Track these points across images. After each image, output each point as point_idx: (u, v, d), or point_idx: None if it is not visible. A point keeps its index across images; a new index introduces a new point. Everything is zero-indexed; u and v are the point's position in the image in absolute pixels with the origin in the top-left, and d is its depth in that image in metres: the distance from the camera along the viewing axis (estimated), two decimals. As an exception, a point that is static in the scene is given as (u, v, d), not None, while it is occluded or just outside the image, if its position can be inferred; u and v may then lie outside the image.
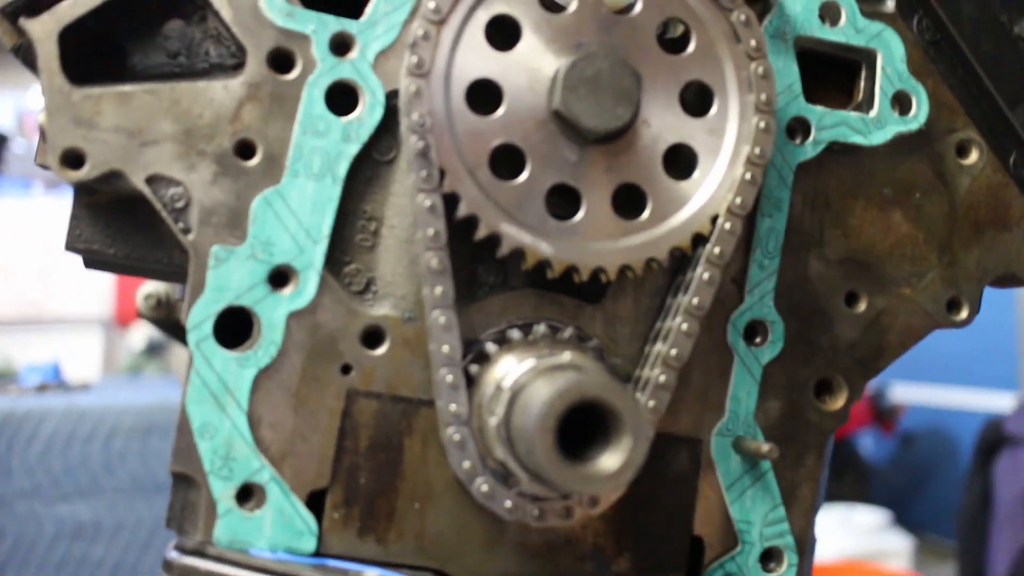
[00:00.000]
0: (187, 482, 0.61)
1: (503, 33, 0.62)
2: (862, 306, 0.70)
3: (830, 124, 0.69)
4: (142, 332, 4.35)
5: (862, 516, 4.50)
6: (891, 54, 0.70)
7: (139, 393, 2.91)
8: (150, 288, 1.26)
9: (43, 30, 0.60)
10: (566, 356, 0.58)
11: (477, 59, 0.61)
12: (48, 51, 0.60)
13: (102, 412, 2.62)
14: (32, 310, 5.63)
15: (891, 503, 4.98)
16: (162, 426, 2.63)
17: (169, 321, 1.30)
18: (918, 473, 5.78)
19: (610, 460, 0.52)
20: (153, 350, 4.10)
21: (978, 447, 3.89)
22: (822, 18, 0.69)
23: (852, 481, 5.25)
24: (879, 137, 0.69)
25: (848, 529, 4.33)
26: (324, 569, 0.60)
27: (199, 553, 0.60)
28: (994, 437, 3.80)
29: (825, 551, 4.06)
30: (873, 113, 0.69)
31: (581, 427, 0.54)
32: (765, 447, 0.64)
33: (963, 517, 3.82)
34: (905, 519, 5.02)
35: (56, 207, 5.73)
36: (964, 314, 0.72)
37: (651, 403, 0.62)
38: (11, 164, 6.06)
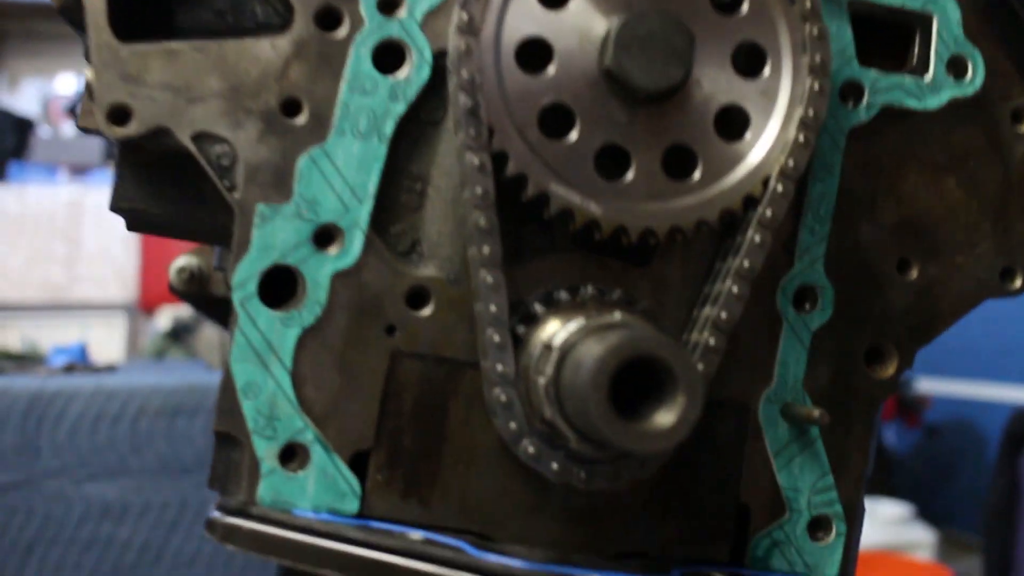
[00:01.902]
0: (230, 442, 0.61)
1: None
2: (914, 273, 0.69)
3: (884, 88, 0.67)
4: (165, 317, 4.37)
5: (886, 508, 4.47)
6: (947, 17, 0.68)
7: (165, 375, 2.93)
8: (183, 261, 1.26)
9: None
10: (616, 315, 0.57)
11: (528, 17, 0.61)
12: (96, 6, 0.59)
13: (129, 393, 2.63)
14: (57, 295, 5.68)
15: (915, 496, 4.94)
16: (189, 407, 2.64)
17: (202, 296, 1.30)
18: (942, 466, 5.73)
19: (665, 417, 0.51)
20: (177, 334, 4.12)
21: (1004, 440, 3.86)
22: None
23: (876, 473, 5.21)
24: (934, 102, 0.68)
25: (872, 521, 4.30)
26: (367, 530, 0.60)
27: (242, 513, 0.60)
28: (1021, 429, 3.76)
29: (849, 543, 4.03)
30: (928, 77, 0.68)
31: (631, 388, 0.53)
32: (816, 412, 0.64)
33: (989, 510, 3.79)
34: (929, 512, 4.98)
35: (81, 194, 5.77)
36: (1018, 283, 0.71)
37: (701, 366, 0.61)
38: (37, 150, 6.11)
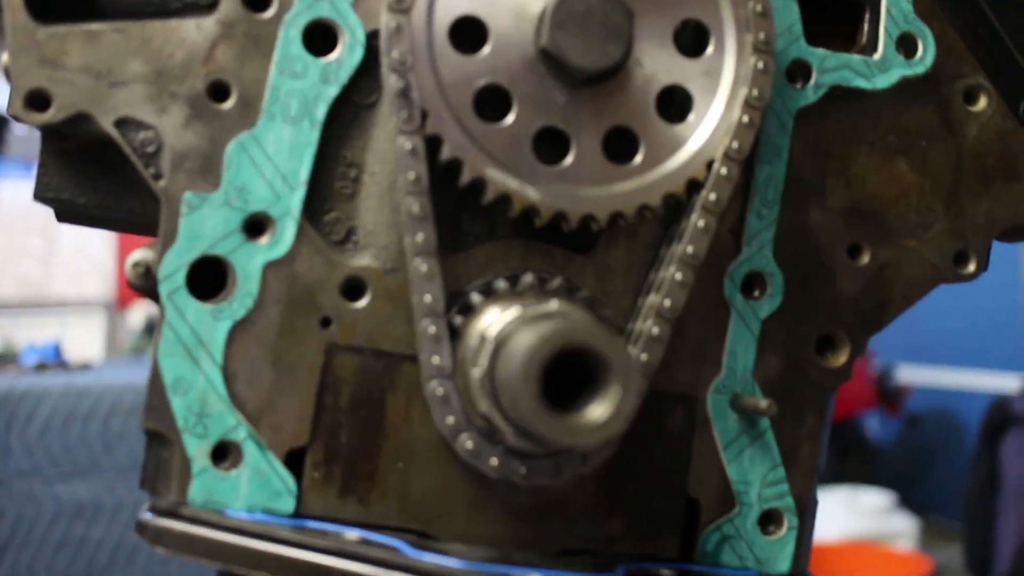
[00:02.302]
0: (160, 440, 0.59)
1: None
2: (865, 258, 0.68)
3: (832, 67, 0.66)
4: (142, 312, 4.33)
5: (867, 498, 4.48)
6: None
7: (139, 372, 2.90)
8: (138, 255, 1.23)
9: None
10: (552, 304, 0.55)
11: None
12: None
13: (101, 391, 2.60)
14: (34, 292, 5.63)
15: (896, 484, 4.96)
16: (161, 405, 2.62)
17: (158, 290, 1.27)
18: (924, 455, 5.75)
19: (598, 410, 0.50)
20: (152, 330, 4.10)
21: (984, 428, 3.87)
22: None
23: (857, 462, 5.23)
24: (883, 81, 0.66)
25: (853, 511, 4.31)
26: (303, 530, 0.58)
27: (173, 514, 0.58)
28: (1001, 418, 3.78)
29: (831, 532, 4.05)
30: (877, 56, 0.66)
31: (571, 382, 0.51)
32: (764, 403, 0.62)
33: (969, 498, 3.81)
34: (911, 500, 5.00)
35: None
36: (972, 267, 0.69)
37: (644, 356, 0.60)
38: (13, 146, 6.05)
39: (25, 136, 6.14)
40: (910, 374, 5.67)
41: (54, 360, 3.02)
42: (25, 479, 2.53)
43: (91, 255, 5.54)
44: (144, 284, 1.28)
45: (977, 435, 4.01)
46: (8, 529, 2.52)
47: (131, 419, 2.61)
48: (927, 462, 5.70)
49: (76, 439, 2.57)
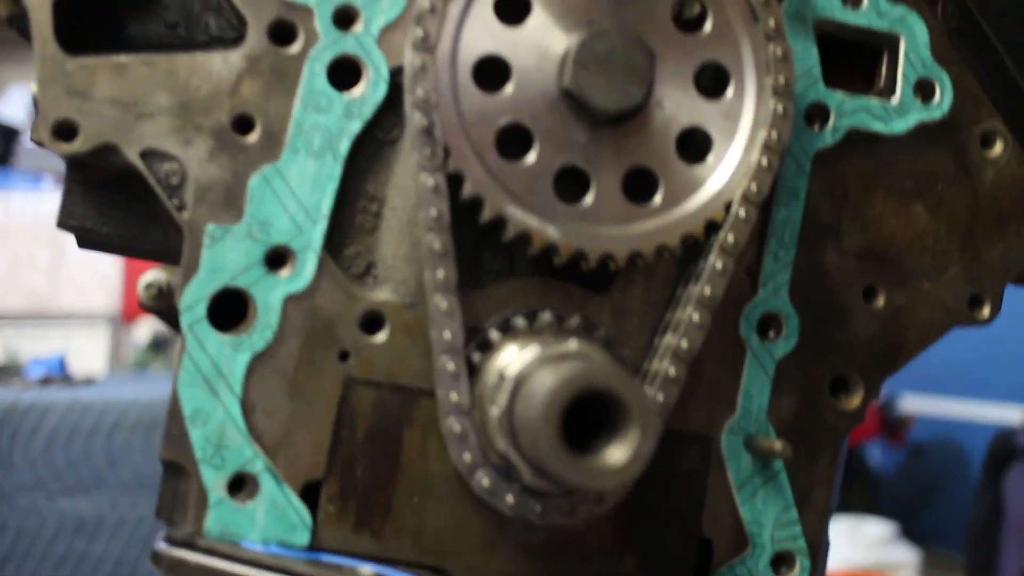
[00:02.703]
0: (177, 470, 0.59)
1: (512, 8, 0.60)
2: (880, 301, 0.68)
3: (850, 111, 0.66)
4: (147, 327, 4.34)
5: (870, 527, 4.45)
6: (915, 39, 0.67)
7: (144, 388, 2.90)
8: (151, 277, 1.24)
9: None
10: (572, 345, 0.55)
11: (485, 34, 0.59)
12: (42, 19, 0.58)
13: (106, 406, 2.60)
14: (39, 304, 5.63)
15: (899, 515, 4.93)
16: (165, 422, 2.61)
17: (170, 311, 1.27)
18: (927, 485, 5.72)
19: (616, 453, 0.50)
20: (158, 346, 4.09)
21: (988, 460, 3.85)
22: (844, 0, 0.66)
23: (860, 492, 5.20)
24: (901, 125, 0.67)
25: (856, 540, 4.29)
26: (317, 564, 0.58)
27: (188, 544, 0.58)
28: (1005, 450, 3.76)
29: (833, 562, 4.02)
30: (895, 100, 0.67)
31: (588, 420, 0.51)
32: (779, 445, 0.62)
33: (973, 530, 3.78)
34: (913, 531, 4.97)
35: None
36: (986, 312, 0.69)
37: (660, 397, 0.60)
38: (22, 158, 6.07)
39: (35, 149, 6.17)
40: (914, 404, 5.65)
41: (59, 374, 3.02)
42: (28, 493, 2.53)
43: (97, 269, 5.55)
44: (156, 305, 1.29)
45: (981, 467, 3.99)
46: (9, 543, 2.51)
47: (135, 435, 2.61)
48: (930, 493, 5.68)
49: (80, 454, 2.57)
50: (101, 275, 5.57)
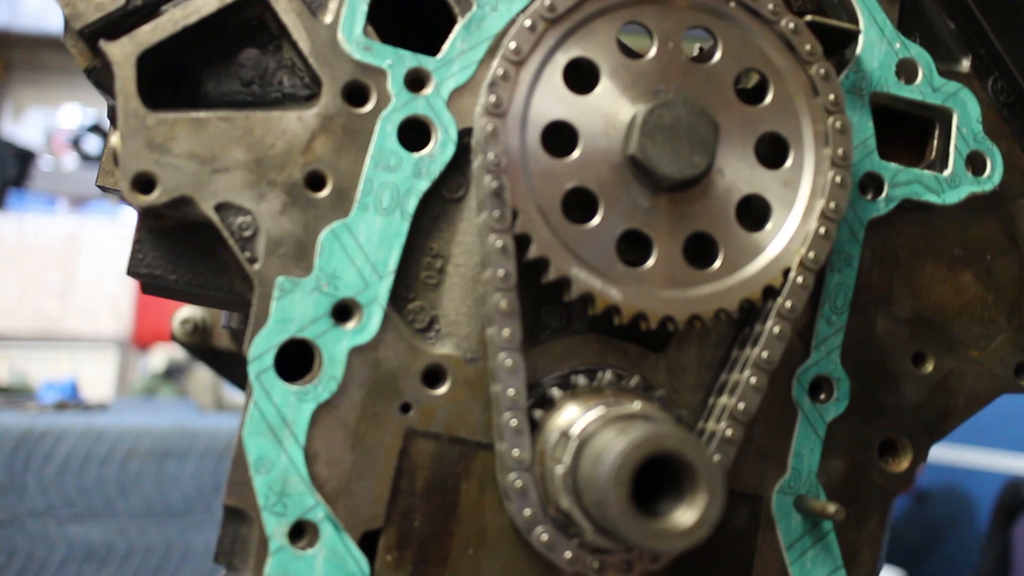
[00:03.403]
0: (239, 516, 0.60)
1: (581, 76, 0.62)
2: (929, 367, 0.69)
3: (904, 181, 0.68)
4: (162, 355, 4.35)
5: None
6: (967, 114, 0.69)
7: (156, 416, 2.90)
8: (187, 313, 1.26)
9: (122, 53, 0.60)
10: (636, 405, 0.57)
11: (554, 100, 0.61)
12: (126, 74, 0.59)
13: (120, 434, 2.60)
14: (48, 327, 5.65)
15: (905, 562, 4.89)
16: (178, 450, 2.62)
17: (204, 347, 1.29)
18: (933, 532, 5.69)
19: (685, 515, 0.51)
20: (171, 374, 4.09)
21: (997, 509, 3.84)
22: (898, 75, 0.68)
23: (866, 537, 5.15)
24: (952, 197, 0.69)
25: (861, 586, 4.25)
26: (375, 612, 0.59)
27: None
28: (1014, 500, 3.75)
29: (838, 608, 3.98)
30: (947, 172, 0.69)
31: (646, 480, 0.52)
32: (832, 508, 0.63)
33: (981, 580, 3.76)
34: (919, 579, 4.93)
35: (79, 225, 5.76)
36: None
37: (716, 457, 0.61)
38: (37, 180, 6.12)
39: (50, 172, 6.22)
40: (921, 449, 5.63)
41: (72, 399, 3.03)
42: (39, 519, 2.53)
43: (108, 293, 5.57)
44: (191, 340, 1.30)
45: (988, 515, 3.97)
46: (19, 567, 2.50)
47: (148, 463, 2.61)
48: (936, 539, 5.64)
49: (92, 481, 2.57)
50: (111, 300, 5.59)
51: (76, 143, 6.31)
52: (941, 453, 5.43)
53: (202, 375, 3.17)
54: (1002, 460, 5.05)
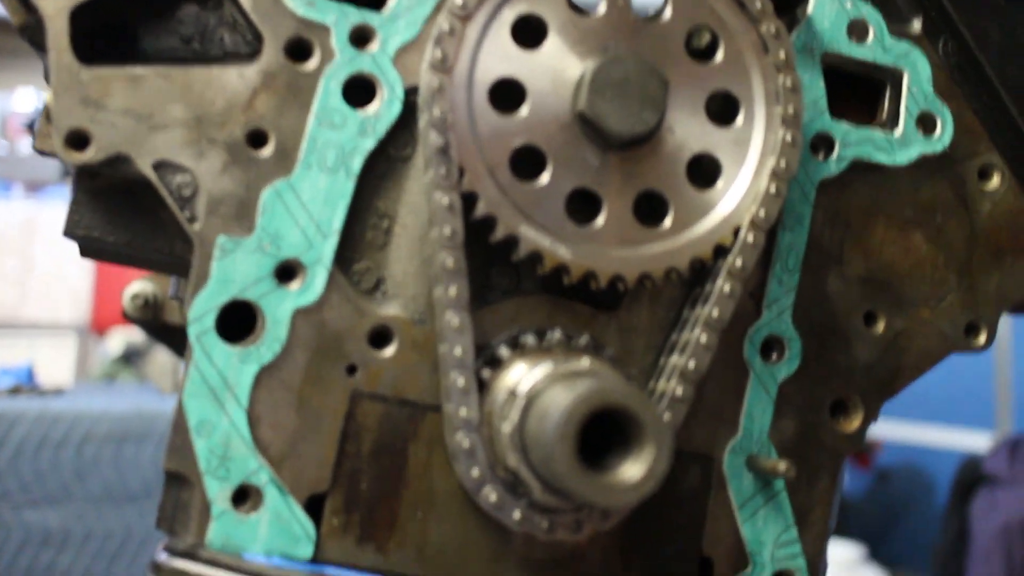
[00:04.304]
0: (180, 481, 0.59)
1: (529, 33, 0.61)
2: (880, 326, 0.69)
3: (854, 141, 0.68)
4: (119, 339, 4.29)
5: (838, 550, 4.49)
6: (918, 74, 0.69)
7: (114, 399, 2.86)
8: (137, 288, 1.23)
9: (54, 7, 0.58)
10: (585, 362, 0.56)
11: (502, 57, 0.60)
12: (58, 28, 0.58)
13: (75, 418, 2.56)
14: (6, 314, 5.55)
15: (866, 537, 4.97)
16: (136, 434, 2.58)
17: (156, 323, 1.27)
18: (893, 508, 5.78)
19: (632, 469, 0.50)
20: (129, 358, 4.04)
21: (956, 485, 3.91)
22: (850, 34, 0.68)
23: (828, 515, 5.22)
24: (903, 157, 0.68)
25: (823, 563, 4.31)
26: (321, 577, 0.58)
27: (190, 556, 0.58)
28: (972, 476, 3.82)
29: (800, 585, 4.03)
30: (898, 132, 0.68)
31: (595, 437, 0.52)
32: (782, 465, 0.63)
33: (940, 555, 3.83)
34: (880, 553, 5.01)
35: (36, 211, 5.66)
36: (982, 339, 0.71)
37: (667, 416, 0.61)
38: (-10, 167, 6.00)
39: (5, 156, 6.10)
40: (881, 429, 5.71)
41: (27, 384, 2.98)
42: (-7, 505, 2.49)
43: (67, 280, 5.49)
44: (142, 316, 1.28)
45: (946, 491, 4.04)
46: (-27, 555, 2.46)
47: (105, 447, 2.57)
48: (897, 516, 5.73)
49: (48, 465, 2.53)
50: (71, 286, 5.51)
51: (31, 127, 6.18)
52: (901, 432, 5.51)
53: (161, 358, 3.14)
54: (960, 438, 5.14)
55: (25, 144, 6.19)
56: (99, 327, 5.26)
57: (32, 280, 5.61)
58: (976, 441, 4.82)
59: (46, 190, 5.98)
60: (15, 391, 2.79)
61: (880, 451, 5.67)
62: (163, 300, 1.24)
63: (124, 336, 4.14)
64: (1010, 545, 3.54)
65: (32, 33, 0.62)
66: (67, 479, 2.55)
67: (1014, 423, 4.78)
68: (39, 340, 5.47)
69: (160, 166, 0.59)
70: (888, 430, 5.68)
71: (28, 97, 6.27)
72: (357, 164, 0.60)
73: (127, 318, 1.27)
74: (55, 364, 5.05)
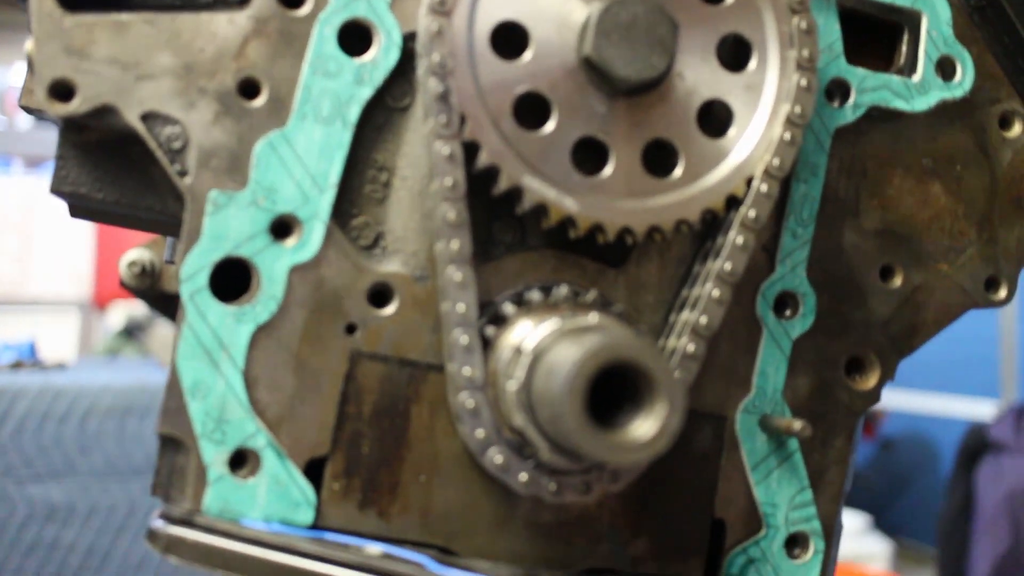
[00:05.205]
0: (175, 445, 0.57)
1: None
2: (898, 281, 0.67)
3: (871, 87, 0.65)
4: (120, 313, 4.27)
5: (843, 519, 4.48)
6: (937, 17, 0.66)
7: (116, 374, 2.85)
8: (134, 255, 1.21)
9: None
10: (592, 318, 0.54)
11: (504, 0, 0.57)
12: None
13: (78, 392, 2.55)
14: (8, 290, 5.54)
15: (871, 507, 4.97)
16: (139, 408, 2.57)
17: (153, 291, 1.25)
18: (898, 478, 5.78)
19: (644, 426, 0.48)
20: (131, 332, 4.02)
21: (960, 453, 3.89)
22: None
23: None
24: (922, 103, 0.66)
25: (828, 532, 4.31)
26: (322, 543, 0.56)
27: (187, 523, 0.56)
28: (976, 444, 3.80)
29: (805, 553, 4.03)
30: (916, 78, 0.66)
31: (604, 395, 0.50)
32: (797, 425, 0.61)
33: (944, 523, 3.82)
34: (884, 523, 5.02)
35: (36, 186, 5.63)
36: (1003, 294, 0.69)
37: (678, 374, 0.58)
38: (-10, 141, 5.96)
39: (3, 131, 6.06)
40: (885, 398, 5.69)
41: (30, 359, 2.96)
42: (-3, 479, 2.48)
43: (68, 255, 5.47)
44: (139, 284, 1.25)
45: (951, 460, 4.03)
46: (-22, 530, 2.46)
47: (107, 421, 2.56)
48: (901, 485, 5.73)
49: (51, 440, 2.52)
50: (72, 262, 5.49)
51: (29, 101, 6.13)
52: (906, 401, 5.51)
53: (163, 332, 3.12)
54: (965, 406, 5.13)
55: (24, 119, 6.14)
56: (101, 302, 5.24)
57: (33, 255, 5.59)
58: (981, 409, 4.81)
59: (46, 165, 5.95)
60: (17, 366, 2.78)
61: (884, 420, 5.66)
62: (161, 268, 1.22)
63: (126, 311, 4.12)
64: (1015, 512, 3.53)
65: (13, -18, 0.60)
66: (70, 453, 2.54)
67: (1019, 390, 4.76)
68: (41, 316, 5.46)
69: (148, 117, 0.56)
70: (892, 399, 5.67)
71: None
72: (354, 114, 0.58)
73: (124, 287, 1.25)
74: (57, 339, 5.04)
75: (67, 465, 2.52)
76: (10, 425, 2.49)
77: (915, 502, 5.56)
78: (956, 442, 4.02)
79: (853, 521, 4.44)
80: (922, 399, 5.48)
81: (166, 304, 1.30)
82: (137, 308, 3.90)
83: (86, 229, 5.03)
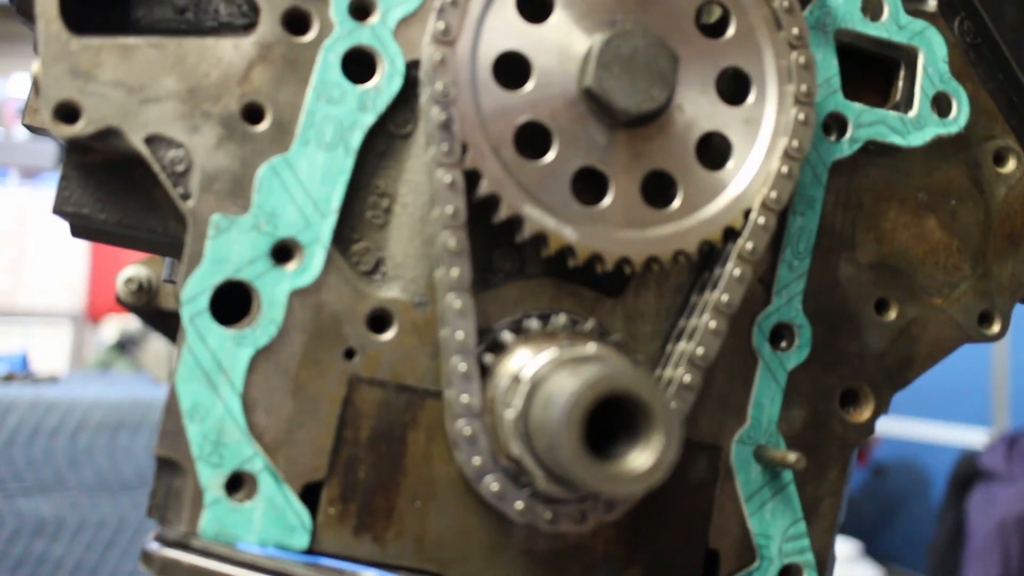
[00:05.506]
0: (172, 467, 0.57)
1: (534, 5, 0.59)
2: (892, 314, 0.67)
3: (868, 122, 0.66)
4: (114, 327, 4.27)
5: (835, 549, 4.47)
6: (933, 53, 0.67)
7: (108, 388, 2.84)
8: (132, 272, 1.21)
9: None
10: (591, 347, 0.54)
11: (506, 30, 0.58)
12: None
13: (70, 405, 2.54)
14: (1, 301, 5.53)
15: (861, 533, 4.96)
16: (131, 422, 2.56)
17: (149, 308, 1.25)
18: (889, 504, 5.77)
19: (640, 458, 0.49)
20: (124, 346, 4.02)
21: (952, 481, 3.89)
22: (864, 11, 0.66)
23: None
24: (918, 139, 0.67)
25: (818, 558, 4.29)
26: (317, 568, 0.56)
27: (182, 545, 0.56)
28: (968, 472, 3.80)
29: (795, 579, 4.02)
30: (912, 113, 0.67)
31: (600, 425, 0.50)
32: (792, 456, 0.61)
33: (935, 550, 3.82)
34: (875, 550, 5.00)
35: (31, 197, 5.63)
36: (996, 328, 0.69)
37: (674, 404, 0.59)
38: (-13, 153, 5.96)
39: (1, 142, 6.07)
40: (878, 423, 5.70)
41: (21, 371, 2.95)
42: (-14, 492, 2.47)
43: (61, 267, 5.46)
44: (135, 301, 1.25)
45: (942, 487, 4.03)
46: (-35, 543, 2.44)
47: (99, 435, 2.55)
48: (892, 512, 5.73)
49: (41, 453, 2.51)
50: (66, 273, 5.48)
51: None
52: (898, 427, 5.51)
53: (156, 346, 3.11)
54: (956, 434, 5.13)
55: (20, 130, 6.15)
56: (94, 315, 5.24)
57: (27, 267, 5.58)
58: (973, 437, 4.81)
59: (41, 176, 5.95)
60: (9, 378, 2.77)
61: (876, 446, 5.66)
62: (158, 285, 1.22)
63: (119, 324, 4.12)
64: (1006, 541, 3.53)
65: (21, 3, 0.60)
66: (61, 467, 2.53)
67: (1011, 419, 4.77)
68: (34, 328, 5.45)
69: (152, 140, 0.57)
70: (884, 425, 5.67)
71: (23, 83, 6.22)
72: (356, 140, 0.58)
73: (120, 303, 1.25)
74: (50, 352, 5.03)
75: (57, 479, 2.51)
76: (1, 438, 2.48)
77: (906, 529, 5.55)
78: (948, 469, 4.02)
79: (844, 547, 4.43)
80: (914, 426, 5.48)
81: (162, 321, 1.30)
82: (130, 322, 3.90)
83: (81, 242, 5.03)
